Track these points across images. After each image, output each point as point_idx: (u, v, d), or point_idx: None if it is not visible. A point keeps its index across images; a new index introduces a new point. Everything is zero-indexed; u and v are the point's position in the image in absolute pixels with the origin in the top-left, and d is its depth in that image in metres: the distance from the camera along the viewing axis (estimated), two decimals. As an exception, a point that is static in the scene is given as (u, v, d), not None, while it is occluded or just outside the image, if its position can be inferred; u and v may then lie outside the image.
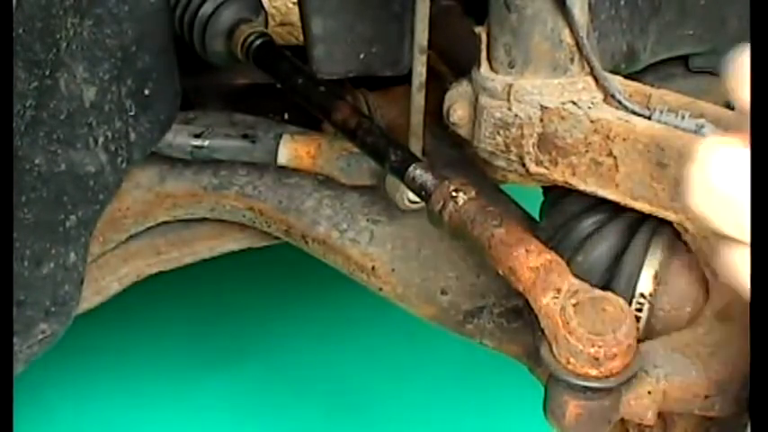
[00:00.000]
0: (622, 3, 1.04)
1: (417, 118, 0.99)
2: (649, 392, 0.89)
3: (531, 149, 0.93)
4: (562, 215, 0.98)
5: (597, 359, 0.83)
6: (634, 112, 0.90)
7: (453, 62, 1.14)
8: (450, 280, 1.07)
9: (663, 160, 0.90)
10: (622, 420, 0.91)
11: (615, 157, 0.91)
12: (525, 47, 0.91)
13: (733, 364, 0.89)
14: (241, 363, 1.76)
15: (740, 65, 0.66)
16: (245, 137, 1.11)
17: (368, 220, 1.08)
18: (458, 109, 0.95)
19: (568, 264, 0.87)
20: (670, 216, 0.90)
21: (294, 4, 2.01)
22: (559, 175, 0.93)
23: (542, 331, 0.85)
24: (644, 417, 0.90)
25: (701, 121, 0.89)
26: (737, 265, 0.65)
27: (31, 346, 0.93)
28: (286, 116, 1.18)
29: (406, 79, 0.99)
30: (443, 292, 1.07)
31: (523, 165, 0.94)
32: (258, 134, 1.11)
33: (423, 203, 0.95)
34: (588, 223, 0.96)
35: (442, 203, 0.90)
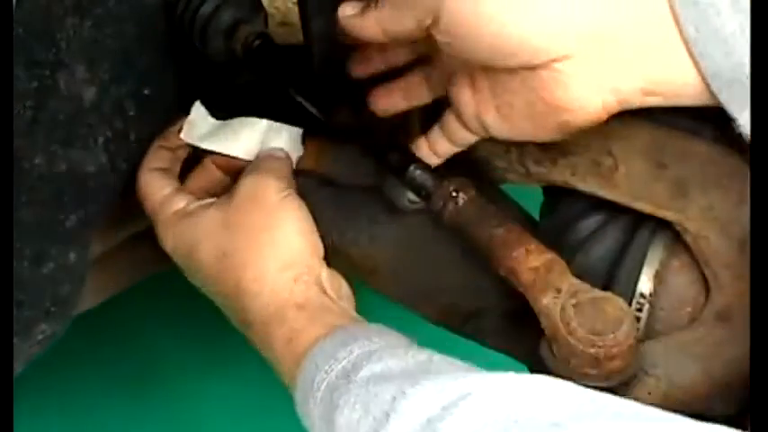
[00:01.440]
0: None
1: (416, 117, 0.99)
2: (649, 393, 0.89)
3: (531, 149, 0.93)
4: (562, 215, 0.98)
5: (597, 359, 0.83)
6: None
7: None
8: (451, 280, 1.06)
9: (663, 160, 0.90)
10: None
11: (615, 157, 0.91)
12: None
13: (733, 364, 0.89)
14: (241, 363, 1.76)
15: None
16: (245, 137, 1.11)
17: (368, 220, 1.08)
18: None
19: (568, 264, 0.87)
20: (670, 216, 0.90)
21: (294, 4, 2.01)
22: (559, 174, 0.93)
23: (542, 331, 0.85)
24: (644, 417, 0.90)
25: None
26: None
27: (31, 346, 0.93)
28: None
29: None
30: (443, 292, 1.07)
31: (523, 165, 0.94)
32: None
33: (423, 203, 0.95)
34: (588, 223, 0.96)
35: (441, 203, 0.91)
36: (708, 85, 0.76)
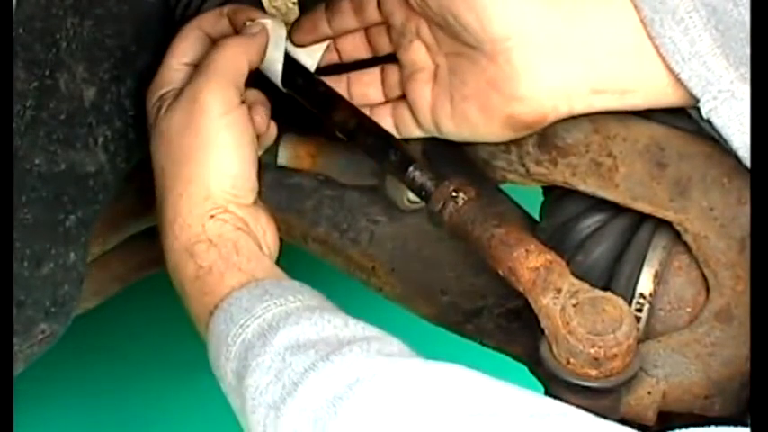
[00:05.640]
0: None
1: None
2: (649, 393, 0.89)
3: (531, 149, 0.93)
4: (562, 215, 0.98)
5: (597, 359, 0.83)
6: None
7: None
8: (451, 280, 1.06)
9: (663, 160, 0.90)
10: (622, 420, 0.91)
11: (615, 158, 0.91)
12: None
13: (733, 364, 0.89)
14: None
15: None
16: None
17: (368, 220, 1.08)
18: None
19: (568, 264, 0.87)
20: (670, 216, 0.90)
21: (294, 4, 2.02)
22: (559, 175, 0.93)
23: (542, 331, 0.85)
24: (644, 417, 0.90)
25: None
26: None
27: (31, 346, 0.93)
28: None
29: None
30: (443, 292, 1.06)
31: (523, 165, 0.94)
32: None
33: (423, 203, 0.95)
34: (588, 223, 0.96)
35: (442, 204, 0.91)
36: (668, 66, 0.82)
